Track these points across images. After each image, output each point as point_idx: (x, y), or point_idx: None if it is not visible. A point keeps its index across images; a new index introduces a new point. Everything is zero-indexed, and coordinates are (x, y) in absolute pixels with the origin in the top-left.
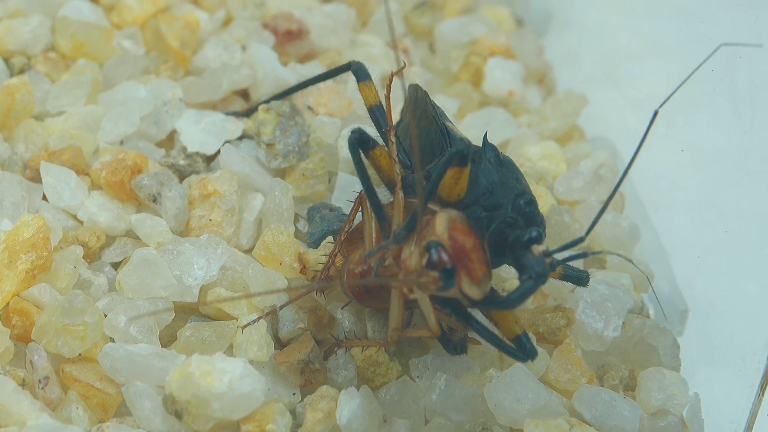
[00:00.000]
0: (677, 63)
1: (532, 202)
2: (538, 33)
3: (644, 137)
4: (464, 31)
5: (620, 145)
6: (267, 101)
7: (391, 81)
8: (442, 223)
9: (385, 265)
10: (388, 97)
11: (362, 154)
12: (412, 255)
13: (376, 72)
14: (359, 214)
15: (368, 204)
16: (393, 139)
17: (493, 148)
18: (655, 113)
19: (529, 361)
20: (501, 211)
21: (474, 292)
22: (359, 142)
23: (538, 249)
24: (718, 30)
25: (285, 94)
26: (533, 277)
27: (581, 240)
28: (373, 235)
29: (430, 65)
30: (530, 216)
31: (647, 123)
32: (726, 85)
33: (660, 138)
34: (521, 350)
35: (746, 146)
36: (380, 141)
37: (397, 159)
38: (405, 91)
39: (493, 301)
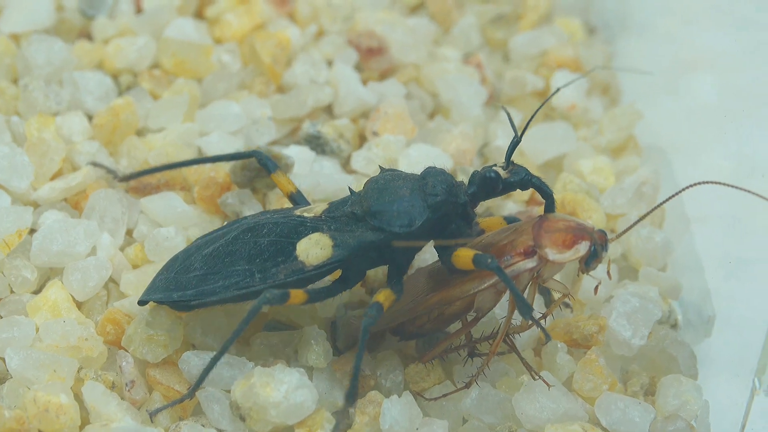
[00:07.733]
0: (736, 75)
1: (435, 172)
2: (609, 40)
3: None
4: (535, 44)
5: (672, 156)
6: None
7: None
8: (536, 231)
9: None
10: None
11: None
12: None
13: (443, 86)
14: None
15: None
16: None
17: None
18: (557, 90)
19: None
20: (442, 204)
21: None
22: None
23: (499, 170)
24: None
25: (154, 170)
26: (527, 178)
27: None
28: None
29: (503, 77)
30: (439, 184)
31: (703, 133)
32: None
33: (709, 148)
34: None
35: None
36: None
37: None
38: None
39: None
